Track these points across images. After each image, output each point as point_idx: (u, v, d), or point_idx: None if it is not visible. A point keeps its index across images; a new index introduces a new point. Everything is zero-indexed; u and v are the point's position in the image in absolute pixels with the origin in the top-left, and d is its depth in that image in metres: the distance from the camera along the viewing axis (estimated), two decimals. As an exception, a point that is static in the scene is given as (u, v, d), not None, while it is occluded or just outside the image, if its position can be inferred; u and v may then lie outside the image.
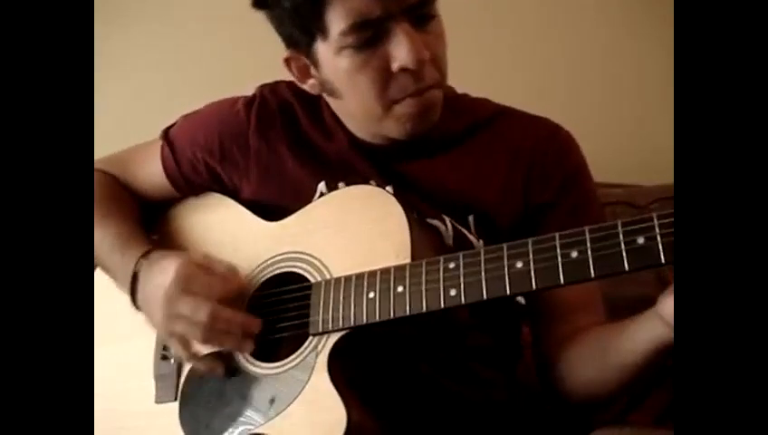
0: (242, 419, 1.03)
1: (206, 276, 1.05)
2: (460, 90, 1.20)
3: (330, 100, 1.14)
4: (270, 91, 1.20)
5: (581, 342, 1.05)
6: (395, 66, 1.01)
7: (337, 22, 1.00)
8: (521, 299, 1.16)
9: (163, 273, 1.06)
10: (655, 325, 0.90)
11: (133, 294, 1.10)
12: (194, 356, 1.08)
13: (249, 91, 1.23)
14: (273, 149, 1.17)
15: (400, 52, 1.00)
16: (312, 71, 1.09)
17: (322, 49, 1.04)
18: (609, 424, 1.03)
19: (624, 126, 1.88)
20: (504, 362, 1.16)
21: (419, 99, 1.04)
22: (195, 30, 1.92)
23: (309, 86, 1.12)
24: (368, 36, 1.00)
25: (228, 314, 1.03)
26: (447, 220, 1.09)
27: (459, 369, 1.09)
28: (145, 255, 1.11)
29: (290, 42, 1.08)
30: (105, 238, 1.15)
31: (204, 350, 1.07)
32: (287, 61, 1.11)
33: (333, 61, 1.04)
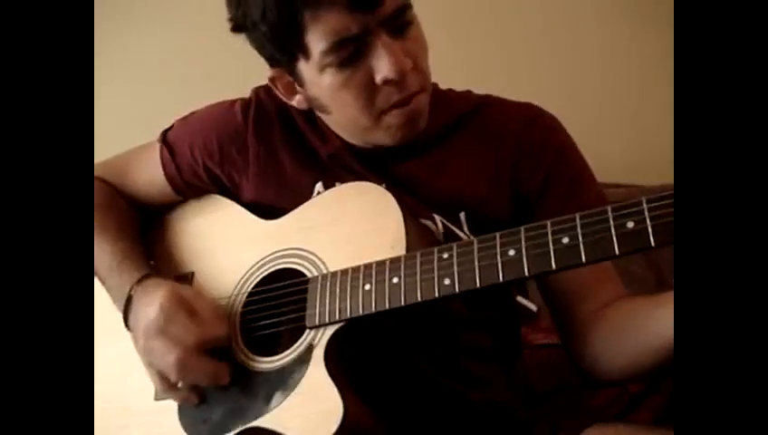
0: (240, 413, 1.04)
1: (185, 319, 1.04)
2: (460, 90, 1.19)
3: (318, 114, 1.15)
4: (266, 93, 1.21)
5: (610, 319, 1.04)
6: (378, 79, 1.02)
7: (316, 43, 1.00)
8: (532, 306, 1.16)
9: (149, 305, 1.06)
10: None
11: (126, 316, 1.11)
12: (168, 389, 1.08)
13: (249, 91, 1.23)
14: (272, 152, 1.18)
15: (382, 64, 1.00)
16: (298, 88, 1.10)
17: (305, 68, 1.05)
18: (605, 421, 1.04)
19: (624, 126, 1.88)
20: (502, 361, 1.16)
21: (406, 108, 1.05)
22: (194, 29, 1.92)
23: (296, 102, 1.13)
24: (349, 53, 1.01)
25: (195, 362, 1.03)
26: (438, 219, 1.09)
27: (455, 366, 1.09)
28: (140, 280, 1.11)
29: (272, 61, 1.09)
30: (103, 256, 1.15)
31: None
32: (272, 80, 1.12)
33: (317, 79, 1.05)
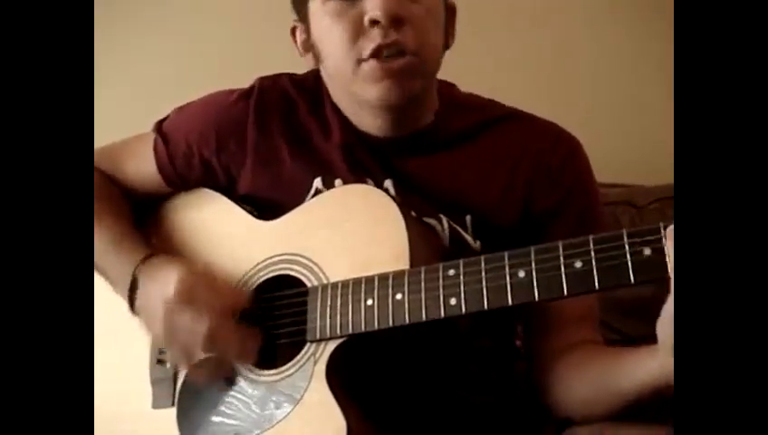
0: (239, 427, 1.02)
1: (208, 288, 1.04)
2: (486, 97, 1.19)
3: (324, 75, 1.15)
4: (271, 83, 1.19)
5: (576, 359, 1.04)
6: (366, 18, 1.03)
7: None
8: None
9: (165, 284, 1.04)
10: (656, 361, 0.88)
11: (131, 299, 1.09)
12: (193, 366, 1.06)
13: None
14: (271, 143, 1.16)
15: (372, 3, 1.02)
16: (308, 39, 1.12)
17: (313, 5, 1.09)
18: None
19: (624, 126, 1.88)
20: (502, 363, 1.15)
21: (385, 63, 1.04)
22: (193, 26, 1.91)
23: (308, 59, 1.15)
24: None
25: (229, 327, 1.02)
26: (444, 219, 1.08)
27: (457, 370, 1.08)
28: (145, 260, 1.09)
29: (294, 4, 1.13)
30: (99, 238, 1.13)
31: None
32: (293, 30, 1.15)
33: (320, 12, 1.07)
